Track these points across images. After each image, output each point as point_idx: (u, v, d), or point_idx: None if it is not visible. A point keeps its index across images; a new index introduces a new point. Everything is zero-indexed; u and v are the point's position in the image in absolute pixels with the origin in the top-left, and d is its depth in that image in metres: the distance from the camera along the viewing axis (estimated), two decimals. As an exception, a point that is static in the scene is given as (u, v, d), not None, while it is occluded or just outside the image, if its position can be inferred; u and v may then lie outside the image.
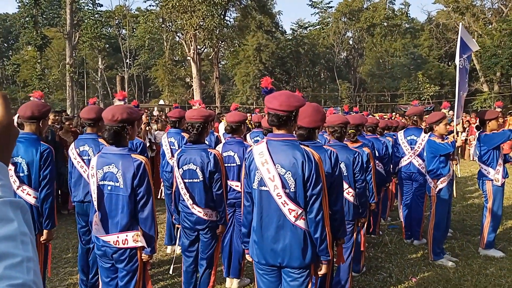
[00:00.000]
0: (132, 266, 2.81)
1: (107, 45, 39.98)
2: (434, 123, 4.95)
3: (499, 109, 5.46)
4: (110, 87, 37.88)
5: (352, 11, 40.67)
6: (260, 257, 2.51)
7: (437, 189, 4.88)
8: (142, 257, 2.83)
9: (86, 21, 32.92)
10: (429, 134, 5.05)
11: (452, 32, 36.20)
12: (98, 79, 38.33)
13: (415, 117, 5.74)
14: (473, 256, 5.07)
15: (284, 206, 2.40)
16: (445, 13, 36.92)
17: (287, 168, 2.40)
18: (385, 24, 40.76)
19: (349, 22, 41.51)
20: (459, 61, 5.04)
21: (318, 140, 2.97)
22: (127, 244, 2.76)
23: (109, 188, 2.79)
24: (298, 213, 2.40)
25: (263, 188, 2.46)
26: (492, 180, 4.99)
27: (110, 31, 40.42)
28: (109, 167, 2.77)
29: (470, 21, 32.59)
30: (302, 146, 2.44)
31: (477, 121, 5.40)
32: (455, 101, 5.23)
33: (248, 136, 6.09)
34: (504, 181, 5.03)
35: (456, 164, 5.26)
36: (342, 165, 3.51)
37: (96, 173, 2.81)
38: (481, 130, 5.16)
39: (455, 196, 5.01)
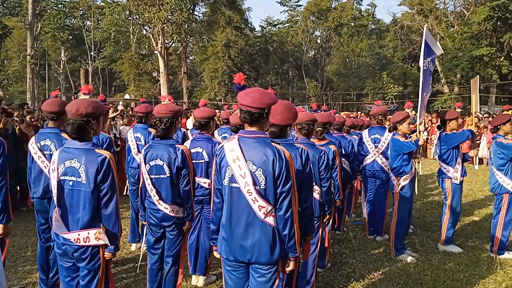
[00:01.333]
0: (94, 265, 2.73)
1: (71, 37, 38.76)
2: (398, 122, 5.09)
3: (459, 110, 5.68)
4: (73, 80, 36.74)
5: (320, 11, 41.18)
6: (228, 254, 2.51)
7: (400, 186, 5.02)
8: (105, 256, 2.75)
9: (49, 11, 31.78)
10: (393, 133, 5.19)
11: (416, 34, 37.32)
12: (61, 71, 37.08)
13: (380, 116, 5.89)
14: (433, 251, 5.25)
15: (254, 203, 2.40)
16: (410, 15, 38.01)
17: (258, 165, 2.40)
18: (352, 24, 41.55)
19: (317, 21, 42.02)
20: (423, 63, 5.19)
21: (289, 138, 2.99)
22: (88, 242, 2.68)
23: (70, 183, 2.69)
24: (268, 210, 2.40)
25: (233, 184, 2.45)
26: (451, 178, 5.18)
27: (74, 22, 39.10)
28: (71, 162, 2.68)
29: (433, 23, 33.70)
30: (273, 144, 2.45)
31: (438, 121, 5.59)
32: (418, 102, 5.39)
33: (216, 132, 6.05)
34: (462, 179, 5.23)
35: (418, 162, 5.42)
36: (309, 163, 3.54)
37: (57, 168, 2.71)
38: (442, 129, 5.35)
39: (416, 193, 5.17)
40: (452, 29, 34.69)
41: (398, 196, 5.07)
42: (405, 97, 36.94)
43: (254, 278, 2.50)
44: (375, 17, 45.43)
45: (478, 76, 6.82)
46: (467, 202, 7.98)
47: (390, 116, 5.62)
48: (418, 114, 5.30)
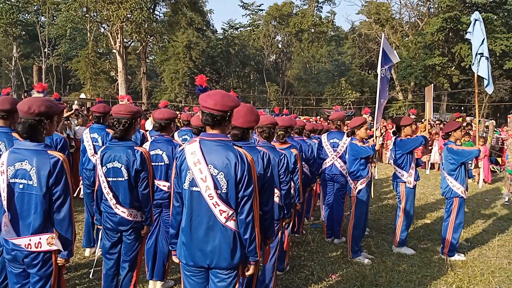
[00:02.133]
0: (46, 271, 2.60)
1: (24, 32, 37.03)
2: (356, 127, 5.22)
3: (413, 116, 5.89)
4: (25, 77, 35.09)
5: (281, 16, 41.68)
6: (188, 259, 2.46)
7: (357, 190, 5.14)
8: (58, 261, 2.63)
9: (1, 5, 30.17)
10: (351, 137, 5.31)
11: (373, 42, 38.57)
12: (12, 68, 35.28)
13: (338, 121, 6.03)
14: (388, 253, 5.42)
15: (215, 207, 2.37)
16: (367, 23, 39.23)
17: (219, 168, 2.37)
18: (312, 30, 42.32)
19: (279, 26, 42.50)
20: (381, 71, 5.35)
21: (251, 141, 2.98)
22: (40, 247, 2.55)
23: (20, 186, 2.56)
24: (229, 214, 2.38)
25: (194, 188, 2.41)
26: (405, 182, 5.36)
27: (28, 17, 37.38)
28: (21, 164, 2.55)
29: (389, 32, 34.93)
30: (235, 147, 2.43)
31: (393, 126, 5.78)
32: (375, 108, 5.54)
33: (176, 134, 5.97)
34: (416, 184, 5.43)
35: (374, 167, 5.57)
36: (269, 166, 3.56)
37: (7, 170, 2.57)
38: (397, 135, 5.53)
39: (372, 197, 5.31)
40: (407, 39, 36.12)
41: (355, 199, 5.18)
42: (362, 103, 38.05)
43: (213, 283, 2.47)
44: (335, 25, 46.52)
45: (432, 84, 7.09)
46: (419, 205, 8.30)
47: (348, 121, 5.76)
48: (375, 120, 5.46)
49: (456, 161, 5.15)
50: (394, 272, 4.77)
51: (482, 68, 5.43)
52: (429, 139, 13.79)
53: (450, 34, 30.05)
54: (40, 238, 2.55)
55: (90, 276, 4.07)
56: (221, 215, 2.37)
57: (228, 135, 2.56)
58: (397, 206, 5.59)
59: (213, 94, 2.42)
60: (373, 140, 5.27)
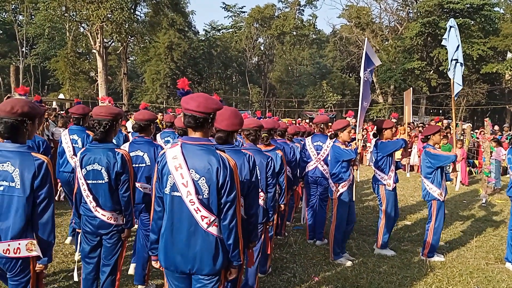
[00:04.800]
0: (24, 278, 2.53)
1: (1, 31, 36.12)
2: (339, 130, 5.25)
3: (394, 120, 5.97)
4: (2, 77, 34.22)
5: (264, 18, 41.77)
6: (169, 264, 2.42)
7: (339, 193, 5.17)
8: (36, 268, 2.56)
9: (-23, 4, 29.39)
10: (333, 140, 5.34)
11: (353, 46, 39.01)
12: (-12, 67, 34.42)
13: (322, 124, 6.07)
14: (368, 255, 5.47)
15: (197, 213, 2.34)
16: (348, 27, 39.67)
17: (201, 173, 2.34)
18: (294, 33, 42.56)
19: (261, 28, 42.59)
20: (364, 74, 5.40)
21: (235, 144, 2.97)
22: (19, 253, 2.48)
23: (1, 188, 2.48)
24: (211, 220, 2.35)
25: (175, 193, 2.37)
26: (385, 184, 5.41)
27: (5, 16, 36.52)
28: (3, 165, 2.47)
29: (370, 36, 35.39)
30: (217, 152, 2.40)
31: (374, 129, 5.84)
32: (358, 111, 5.59)
33: (158, 136, 5.95)
34: (395, 186, 5.50)
35: (356, 170, 5.61)
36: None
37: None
38: (377, 137, 5.59)
39: (353, 199, 5.35)
40: (386, 43, 36.68)
41: (337, 202, 5.20)
42: (343, 106, 38.44)
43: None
44: (316, 28, 46.86)
45: (411, 88, 7.21)
46: (399, 207, 8.40)
47: (331, 124, 5.80)
48: (357, 123, 5.50)
49: (433, 164, 5.23)
50: (375, 273, 4.81)
51: (457, 74, 5.55)
52: (408, 141, 14.04)
53: (429, 38, 30.66)
54: (19, 244, 2.48)
55: (76, 279, 3.94)
56: (202, 220, 2.34)
57: (212, 138, 2.54)
58: (378, 209, 5.64)
59: (196, 97, 2.40)
60: (356, 143, 5.30)
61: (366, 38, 6.40)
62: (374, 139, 5.71)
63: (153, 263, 2.60)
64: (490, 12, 29.86)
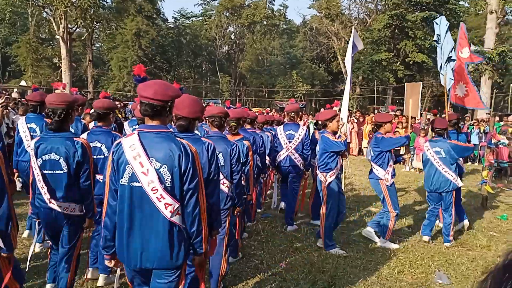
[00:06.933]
0: None
1: (-43, 15, 34.23)
2: (328, 120, 5.19)
3: (392, 113, 6.05)
4: (-42, 62, 32.58)
5: (234, 7, 41.32)
6: (129, 261, 2.33)
7: (327, 182, 5.11)
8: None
9: None
10: (322, 131, 5.28)
11: (323, 37, 39.26)
12: None
13: (292, 113, 6.08)
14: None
15: (160, 201, 2.24)
16: (318, 18, 39.82)
17: (162, 161, 2.27)
18: (265, 23, 42.37)
19: (231, 17, 42.14)
20: (351, 58, 5.50)
21: (196, 132, 2.94)
22: None
23: None
24: (175, 208, 2.28)
25: (134, 183, 2.27)
26: (382, 179, 5.35)
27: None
28: None
29: (339, 28, 35.73)
30: (178, 139, 2.34)
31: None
32: (342, 100, 5.60)
33: (126, 124, 5.93)
34: (393, 181, 5.42)
35: (346, 158, 5.57)
36: (220, 156, 3.53)
37: None
38: (376, 131, 5.53)
39: (342, 188, 5.28)
40: (355, 34, 37.01)
41: (326, 191, 5.15)
42: (313, 96, 38.75)
43: (155, 282, 2.38)
44: (287, 18, 46.82)
45: (420, 83, 7.17)
46: (365, 194, 8.59)
47: (302, 114, 5.84)
48: (343, 113, 5.50)
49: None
50: (340, 258, 4.90)
51: (449, 70, 5.85)
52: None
53: (396, 30, 31.21)
54: None
55: (27, 270, 3.83)
56: (166, 209, 2.26)
57: (173, 126, 2.48)
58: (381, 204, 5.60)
59: (152, 84, 2.32)
60: (345, 135, 5.24)
61: (354, 28, 6.50)
62: (374, 133, 5.63)
63: (106, 262, 2.49)
64: (455, 5, 30.69)
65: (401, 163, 6.01)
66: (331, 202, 5.18)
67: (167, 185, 2.27)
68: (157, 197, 2.24)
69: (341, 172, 5.28)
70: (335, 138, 5.11)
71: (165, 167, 2.27)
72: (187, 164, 2.28)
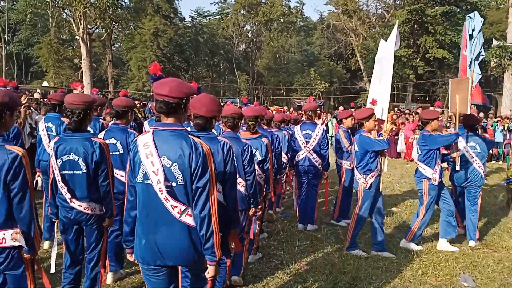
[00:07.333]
0: (15, 267, 2.57)
1: (-19, 17, 35.13)
2: (364, 119, 4.95)
3: (439, 109, 5.89)
4: (-17, 64, 33.39)
5: (250, 5, 41.27)
6: (145, 258, 2.32)
7: (368, 185, 4.86)
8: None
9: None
10: (359, 130, 5.08)
11: (341, 33, 38.90)
12: (-31, 54, 33.48)
13: (310, 112, 5.99)
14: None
15: (167, 202, 2.24)
16: (336, 14, 39.51)
17: (173, 159, 2.24)
18: (282, 20, 42.19)
19: (248, 15, 42.11)
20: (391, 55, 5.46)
21: (213, 131, 2.91)
22: (5, 243, 2.49)
23: None
24: (182, 210, 2.25)
25: (147, 181, 2.28)
26: (430, 179, 5.10)
27: (-15, 2, 35.51)
28: None
29: (357, 24, 35.36)
30: (190, 136, 2.30)
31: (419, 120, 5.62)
32: (383, 97, 5.41)
33: (146, 123, 5.98)
34: (441, 180, 5.18)
35: (385, 158, 5.37)
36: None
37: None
38: (422, 129, 5.28)
39: (380, 190, 5.09)
40: (374, 30, 36.59)
41: (362, 193, 4.93)
42: (331, 93, 38.45)
43: (183, 280, 2.38)
44: (303, 15, 46.53)
45: (468, 77, 6.53)
46: (386, 194, 8.43)
47: (320, 112, 5.74)
48: (385, 110, 5.34)
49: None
50: (362, 260, 4.80)
51: (477, 66, 5.81)
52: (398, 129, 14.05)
53: (415, 26, 30.67)
54: (4, 234, 2.49)
55: (52, 270, 3.85)
56: (173, 210, 2.24)
57: (183, 125, 2.43)
58: (418, 203, 5.39)
59: (167, 81, 2.31)
60: (387, 133, 5.03)
61: (397, 22, 6.41)
62: (420, 131, 5.40)
63: (128, 256, 2.51)
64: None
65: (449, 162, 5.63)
66: (366, 205, 4.97)
67: (178, 183, 2.24)
68: (163, 198, 2.24)
69: (380, 173, 5.01)
70: (376, 137, 4.89)
71: (175, 165, 2.24)
72: (197, 162, 2.24)
